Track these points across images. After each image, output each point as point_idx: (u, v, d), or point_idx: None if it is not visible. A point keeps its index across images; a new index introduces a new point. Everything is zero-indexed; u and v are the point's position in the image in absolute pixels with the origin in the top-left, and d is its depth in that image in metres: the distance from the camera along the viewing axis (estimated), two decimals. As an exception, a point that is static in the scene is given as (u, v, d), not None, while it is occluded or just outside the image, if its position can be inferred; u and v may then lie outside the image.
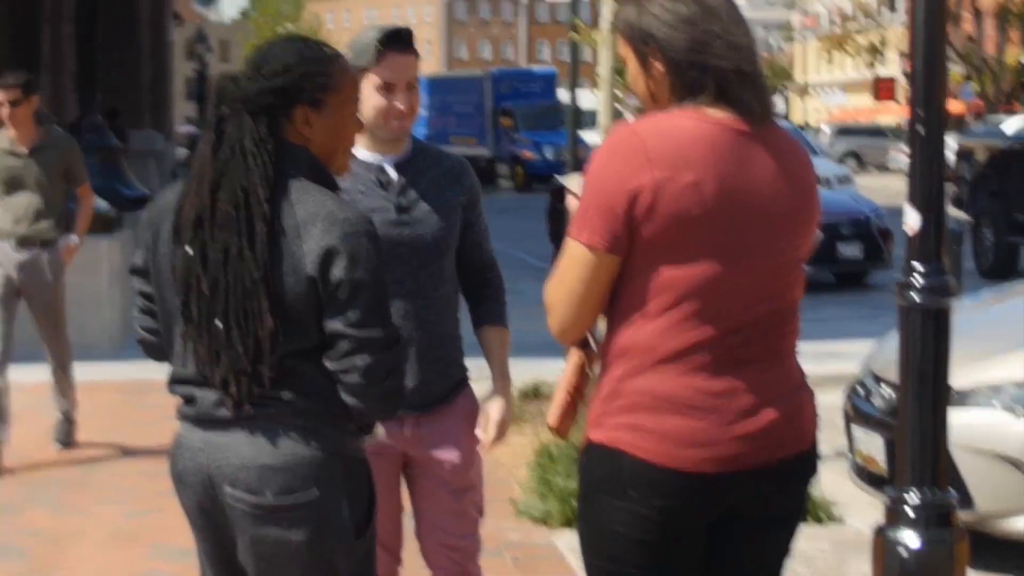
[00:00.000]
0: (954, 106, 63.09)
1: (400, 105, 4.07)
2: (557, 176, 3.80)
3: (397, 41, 4.08)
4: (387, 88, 4.07)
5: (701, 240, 2.96)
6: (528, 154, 43.31)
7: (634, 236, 2.97)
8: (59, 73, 20.45)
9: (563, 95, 42.01)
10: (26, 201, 8.33)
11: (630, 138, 3.00)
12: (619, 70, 8.33)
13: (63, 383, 8.63)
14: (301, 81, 3.13)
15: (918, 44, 4.35)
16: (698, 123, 3.01)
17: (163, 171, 27.79)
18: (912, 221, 4.37)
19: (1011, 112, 53.54)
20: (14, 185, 8.33)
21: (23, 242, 8.36)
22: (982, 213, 18.12)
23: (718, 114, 3.04)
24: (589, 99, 30.45)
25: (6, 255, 8.35)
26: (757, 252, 3.02)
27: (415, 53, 4.15)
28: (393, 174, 4.15)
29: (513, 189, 43.68)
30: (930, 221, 4.37)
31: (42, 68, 17.82)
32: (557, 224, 16.74)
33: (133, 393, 10.16)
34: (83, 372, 9.14)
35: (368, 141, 4.13)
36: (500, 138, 45.89)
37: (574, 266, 3.05)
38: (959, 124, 60.96)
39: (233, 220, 3.02)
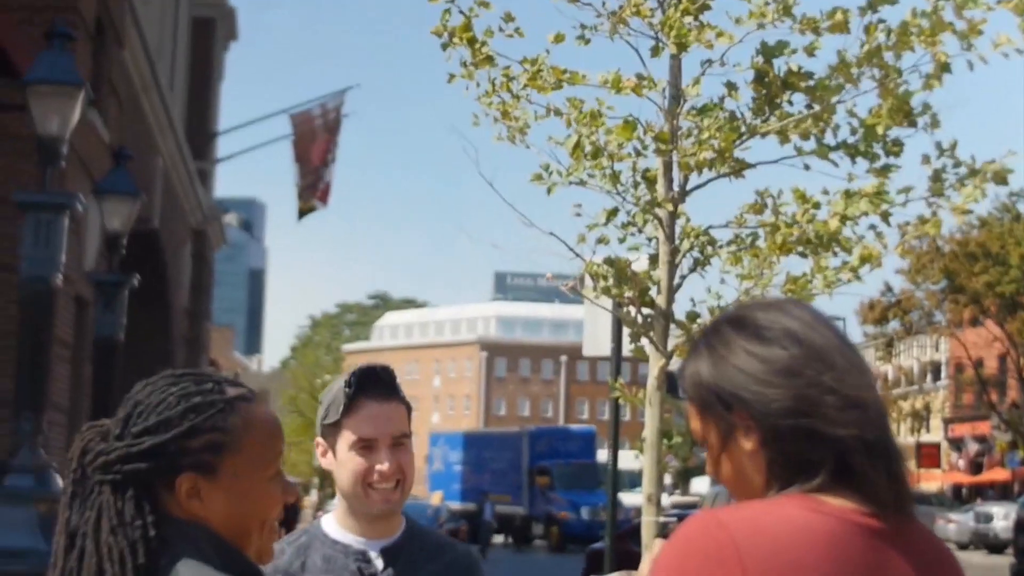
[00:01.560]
0: (999, 473, 62.11)
1: (383, 466, 3.21)
2: None
3: (372, 384, 3.24)
4: (364, 446, 3.22)
5: None
6: (564, 514, 42.59)
7: None
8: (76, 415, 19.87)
9: (602, 455, 41.47)
10: None
11: (715, 533, 2.07)
12: (666, 433, 7.56)
13: None
14: (182, 440, 2.28)
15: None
16: (812, 516, 2.09)
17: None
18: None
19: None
20: None
21: None
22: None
23: (837, 503, 2.13)
24: (629, 459, 29.72)
25: None
26: None
27: (400, 400, 3.30)
28: (379, 564, 3.26)
29: (548, 549, 42.70)
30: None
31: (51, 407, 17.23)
32: (593, 592, 15.76)
33: None
34: None
35: (347, 518, 3.29)
36: (536, 497, 45.29)
37: None
38: (1005, 491, 59.84)
39: None
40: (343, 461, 3.21)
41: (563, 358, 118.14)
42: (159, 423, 2.26)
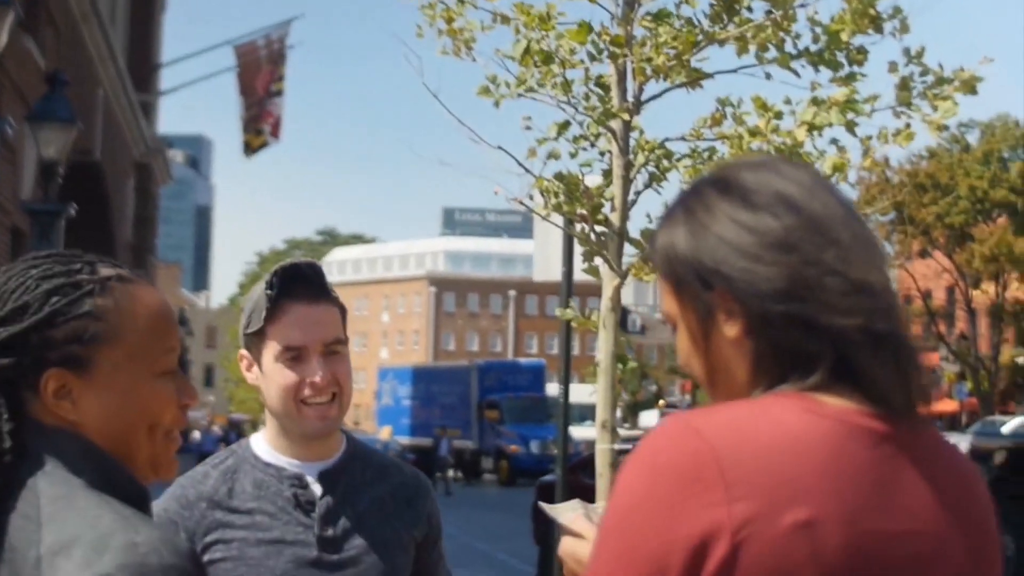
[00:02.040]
0: (947, 404, 62.49)
1: (315, 378, 2.81)
2: (544, 505, 2.96)
3: (298, 285, 2.83)
4: (292, 356, 2.82)
5: None
6: (514, 448, 42.48)
7: None
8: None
9: (551, 388, 41.33)
10: None
11: (690, 443, 1.68)
12: (620, 358, 7.25)
13: None
14: (44, 330, 1.89)
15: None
16: (807, 419, 1.71)
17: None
18: None
19: (1006, 412, 52.84)
20: None
21: None
22: (1001, 519, 16.93)
23: (837, 404, 1.74)
24: (578, 393, 29.57)
25: None
26: None
27: (332, 300, 2.88)
28: (317, 489, 2.88)
29: (498, 483, 42.62)
30: None
31: None
32: (543, 524, 15.56)
33: None
34: None
35: (279, 438, 2.91)
36: (485, 431, 45.14)
37: None
38: (952, 423, 60.26)
39: None
40: (269, 374, 2.82)
41: (512, 293, 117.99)
42: (14, 310, 1.88)
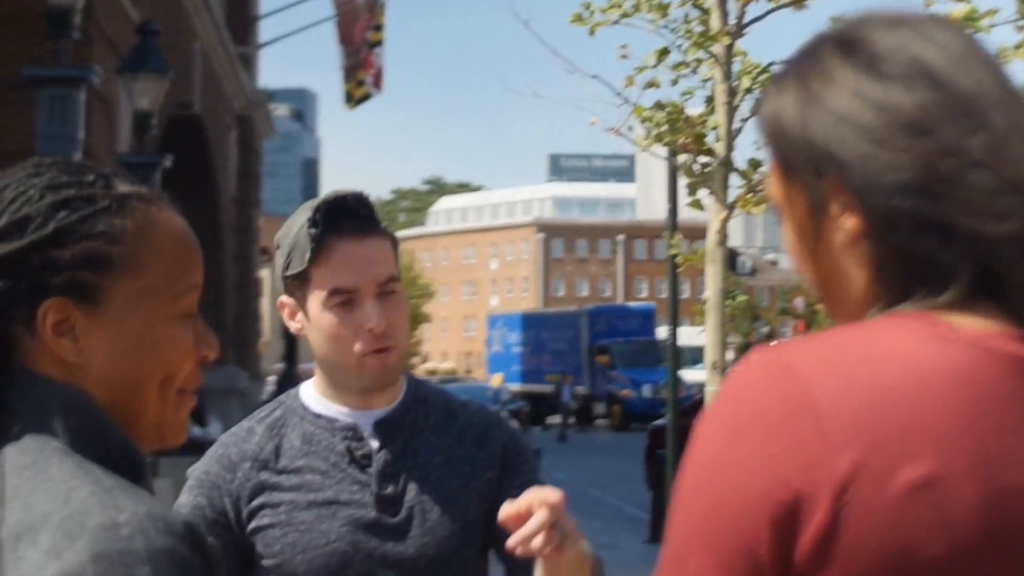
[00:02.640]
0: None
1: (371, 324, 2.45)
2: None
3: (345, 219, 2.48)
4: (341, 300, 2.47)
5: None
6: (626, 392, 42.26)
7: None
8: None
9: (662, 332, 41.06)
10: None
11: (781, 386, 1.32)
12: (729, 294, 6.89)
13: None
14: (48, 249, 1.53)
15: None
16: (935, 347, 1.33)
17: (247, 409, 26.93)
18: None
19: None
20: None
21: None
22: None
23: (976, 327, 1.36)
24: (688, 336, 29.21)
25: None
26: None
27: (382, 233, 2.53)
28: (374, 442, 2.53)
29: (610, 428, 42.45)
30: None
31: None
32: (656, 469, 15.28)
33: None
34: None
35: (330, 388, 2.56)
36: (596, 376, 44.95)
37: None
38: None
39: None
40: (317, 322, 2.47)
41: (620, 237, 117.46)
42: (13, 224, 1.51)
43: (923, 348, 1.31)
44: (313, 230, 2.43)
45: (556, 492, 2.13)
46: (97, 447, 1.48)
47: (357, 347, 2.45)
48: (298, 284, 2.48)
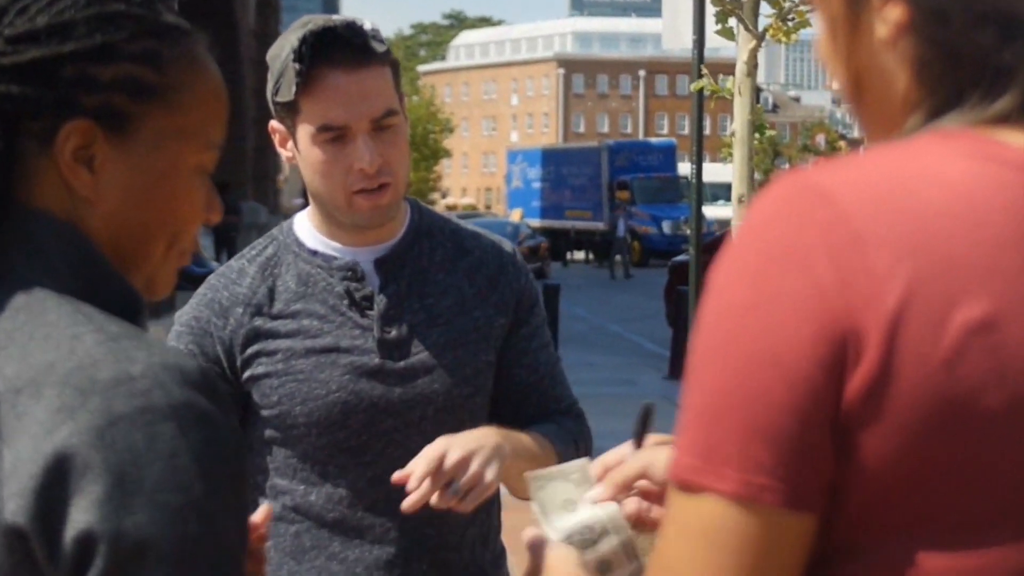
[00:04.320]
0: None
1: (362, 163, 2.26)
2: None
3: (333, 49, 2.25)
4: (332, 136, 2.27)
5: (1006, 468, 1.13)
6: (646, 228, 42.12)
7: (846, 455, 1.14)
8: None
9: (683, 168, 40.83)
10: None
11: (812, 211, 1.14)
12: (759, 127, 6.77)
13: None
14: (87, 63, 1.36)
15: None
16: (984, 169, 1.15)
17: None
18: None
19: None
20: None
21: None
22: None
23: None
24: (712, 171, 29.03)
25: None
26: None
27: (380, 61, 2.30)
28: (375, 281, 2.36)
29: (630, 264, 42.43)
30: None
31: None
32: (677, 305, 15.28)
33: None
34: None
35: (326, 224, 2.38)
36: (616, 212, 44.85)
37: (705, 549, 1.15)
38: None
39: None
40: (306, 156, 2.28)
41: (641, 72, 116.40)
42: (54, 27, 1.33)
43: (969, 171, 1.15)
44: (297, 64, 2.23)
45: (451, 445, 2.08)
46: (95, 290, 1.34)
47: (348, 186, 2.27)
48: (287, 112, 2.29)
